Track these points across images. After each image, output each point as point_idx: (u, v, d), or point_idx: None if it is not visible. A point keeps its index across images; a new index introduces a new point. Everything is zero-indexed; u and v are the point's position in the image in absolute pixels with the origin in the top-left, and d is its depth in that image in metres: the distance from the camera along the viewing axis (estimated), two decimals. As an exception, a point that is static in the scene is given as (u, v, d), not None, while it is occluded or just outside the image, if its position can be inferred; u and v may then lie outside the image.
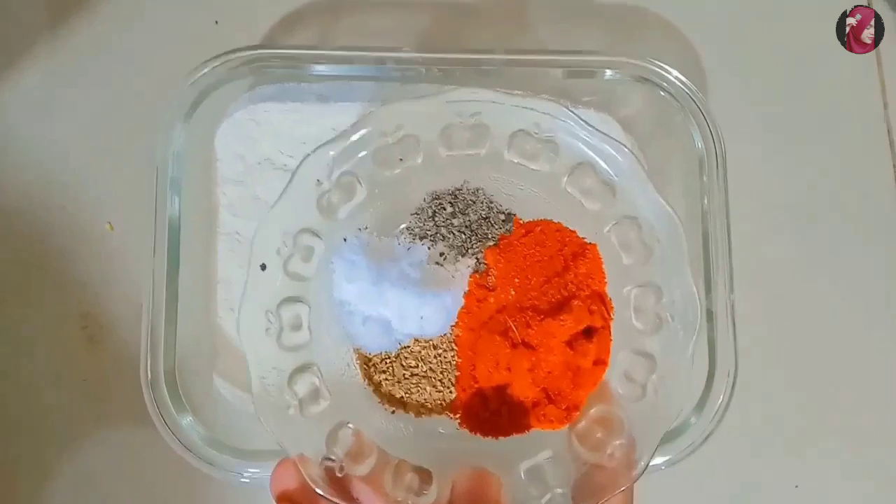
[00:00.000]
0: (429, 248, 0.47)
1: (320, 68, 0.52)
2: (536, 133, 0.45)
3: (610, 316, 0.46)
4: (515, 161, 0.47)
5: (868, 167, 0.60)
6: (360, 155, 0.45)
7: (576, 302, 0.45)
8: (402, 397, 0.47)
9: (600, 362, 0.45)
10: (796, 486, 0.57)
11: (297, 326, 0.45)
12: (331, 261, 0.45)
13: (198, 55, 0.50)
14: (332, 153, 0.44)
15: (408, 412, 0.47)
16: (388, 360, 0.47)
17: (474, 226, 0.47)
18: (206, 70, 0.50)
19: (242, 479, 0.48)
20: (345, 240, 0.46)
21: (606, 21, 0.60)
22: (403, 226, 0.48)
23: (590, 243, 0.47)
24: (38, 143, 0.57)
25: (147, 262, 0.49)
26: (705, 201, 0.51)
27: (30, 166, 0.57)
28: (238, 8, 0.59)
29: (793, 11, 0.61)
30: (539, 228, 0.47)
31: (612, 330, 0.46)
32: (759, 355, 0.54)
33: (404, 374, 0.47)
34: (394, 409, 0.47)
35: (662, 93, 0.52)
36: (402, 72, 0.52)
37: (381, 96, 0.54)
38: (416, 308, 0.45)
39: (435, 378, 0.47)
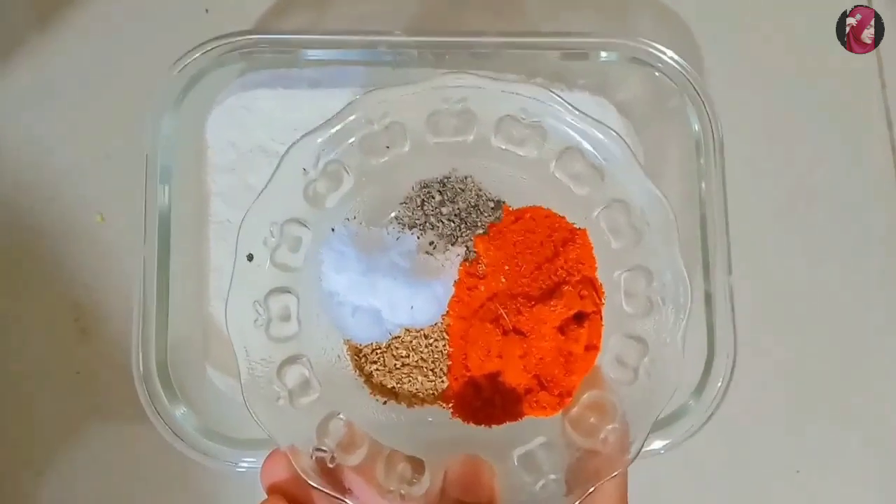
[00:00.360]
0: (418, 238, 0.46)
1: (312, 53, 0.52)
2: (523, 118, 0.45)
3: (601, 301, 0.45)
4: (503, 147, 0.46)
5: (868, 158, 0.60)
6: (346, 143, 0.45)
7: (566, 287, 0.44)
8: (393, 387, 0.47)
9: (592, 347, 0.45)
10: (797, 472, 0.57)
11: (285, 317, 0.45)
12: (319, 251, 0.45)
13: (188, 44, 0.50)
14: (319, 140, 0.44)
15: (400, 402, 0.46)
16: (378, 351, 0.47)
17: (463, 214, 0.47)
18: (196, 56, 0.50)
19: (238, 469, 0.49)
20: (333, 230, 0.45)
21: (603, 4, 0.59)
22: (392, 215, 0.47)
23: (579, 228, 0.46)
24: (27, 135, 0.57)
25: (138, 252, 0.48)
26: (702, 184, 0.50)
27: (18, 158, 0.57)
28: (228, -5, 0.59)
29: (792, 12, 0.60)
30: (528, 215, 0.46)
31: (603, 314, 0.45)
32: (759, 338, 0.54)
33: (395, 365, 0.47)
34: (385, 399, 0.46)
35: (657, 74, 0.51)
36: (394, 56, 0.52)
37: (373, 81, 0.53)
38: (407, 298, 0.44)
39: (426, 368, 0.46)
